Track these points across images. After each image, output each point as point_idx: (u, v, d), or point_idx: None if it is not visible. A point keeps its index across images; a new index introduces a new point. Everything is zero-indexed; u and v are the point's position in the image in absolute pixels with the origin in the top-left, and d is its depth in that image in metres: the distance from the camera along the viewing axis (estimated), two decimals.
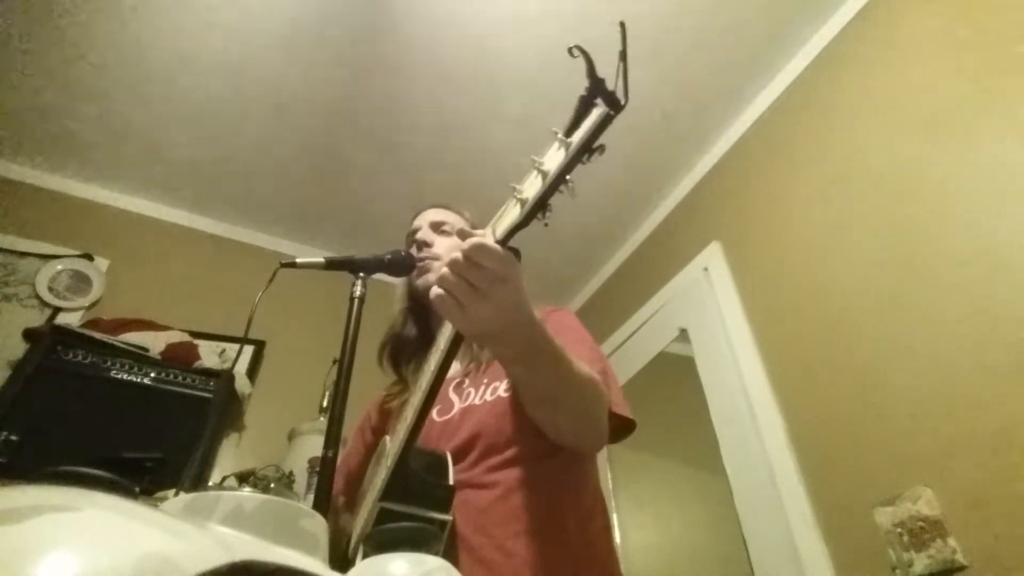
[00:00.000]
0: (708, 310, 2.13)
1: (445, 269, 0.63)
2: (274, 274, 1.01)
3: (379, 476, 0.79)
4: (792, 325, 1.82)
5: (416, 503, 0.73)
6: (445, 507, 0.75)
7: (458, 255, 0.62)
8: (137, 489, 0.31)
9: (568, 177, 0.54)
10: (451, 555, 0.76)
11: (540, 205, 0.56)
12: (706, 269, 2.22)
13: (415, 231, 1.19)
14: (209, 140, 2.34)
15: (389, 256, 1.04)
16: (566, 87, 2.12)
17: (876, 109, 1.76)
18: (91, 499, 0.26)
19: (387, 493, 0.73)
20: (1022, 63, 1.42)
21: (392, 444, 0.79)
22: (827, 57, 1.99)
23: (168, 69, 2.10)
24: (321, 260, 1.00)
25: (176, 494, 0.50)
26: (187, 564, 0.23)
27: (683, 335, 2.24)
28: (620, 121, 0.52)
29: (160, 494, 1.54)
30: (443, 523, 0.74)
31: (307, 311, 2.46)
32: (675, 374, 2.26)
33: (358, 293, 0.98)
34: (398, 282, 1.22)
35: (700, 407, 2.02)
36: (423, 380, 0.74)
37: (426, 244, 1.13)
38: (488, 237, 0.62)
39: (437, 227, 1.17)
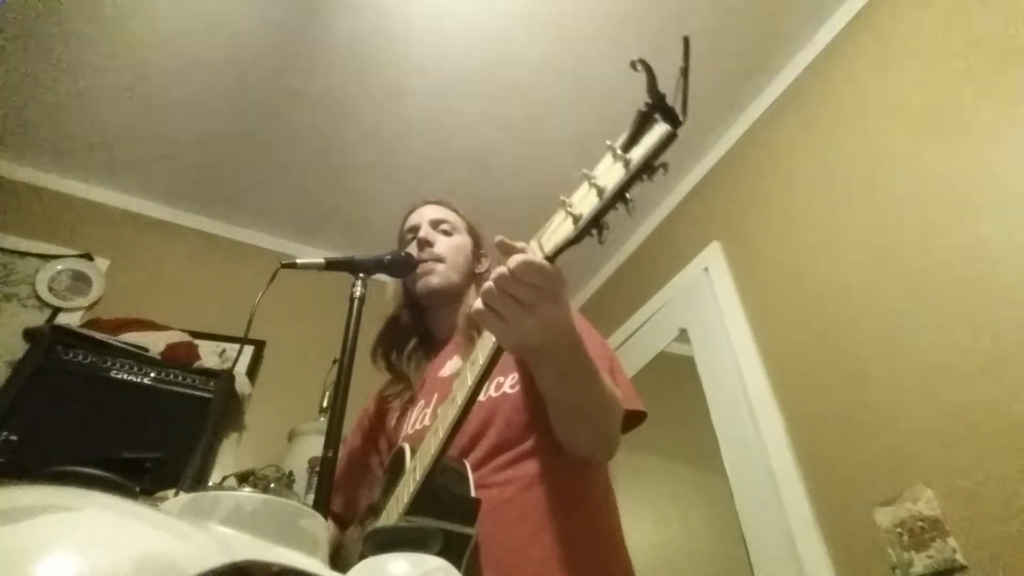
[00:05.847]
0: (708, 310, 2.13)
1: (489, 283, 0.62)
2: (274, 274, 1.01)
3: (404, 488, 0.77)
4: (792, 325, 1.82)
5: (443, 518, 0.72)
6: (470, 520, 0.74)
7: (504, 271, 0.60)
8: (137, 489, 0.31)
9: (628, 195, 0.51)
10: (472, 564, 0.76)
11: (595, 222, 0.53)
12: (706, 269, 2.22)
13: (414, 228, 1.17)
14: (210, 140, 2.34)
15: (389, 257, 1.04)
16: (564, 90, 2.13)
17: (875, 109, 1.75)
18: (91, 499, 0.26)
19: (414, 507, 0.73)
20: (1020, 62, 1.42)
21: (419, 457, 0.77)
22: (826, 57, 1.99)
23: (169, 70, 2.10)
24: (321, 260, 1.00)
25: (176, 494, 0.50)
26: (187, 564, 0.23)
27: (683, 335, 2.24)
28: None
29: (160, 494, 1.55)
30: (468, 536, 0.73)
31: (307, 311, 2.45)
32: (675, 374, 2.26)
33: (358, 293, 0.97)
34: (390, 282, 1.20)
35: (700, 407, 2.02)
36: (458, 393, 0.72)
37: (428, 243, 1.11)
38: (536, 252, 0.60)
39: (436, 225, 1.16)
